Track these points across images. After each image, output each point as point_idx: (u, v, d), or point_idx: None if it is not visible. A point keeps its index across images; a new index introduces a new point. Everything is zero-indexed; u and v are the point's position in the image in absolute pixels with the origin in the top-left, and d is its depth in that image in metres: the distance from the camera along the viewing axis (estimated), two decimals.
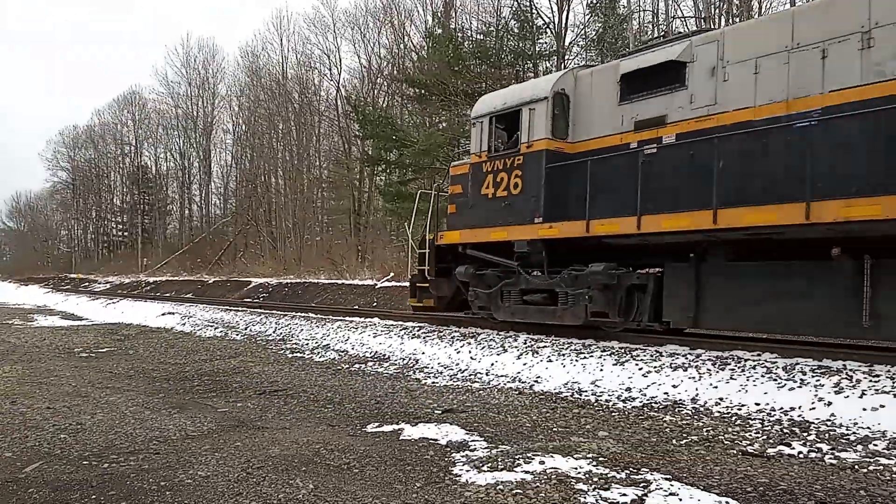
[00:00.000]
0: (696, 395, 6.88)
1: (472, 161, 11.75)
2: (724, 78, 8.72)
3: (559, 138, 10.43)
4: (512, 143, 11.07)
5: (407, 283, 14.07)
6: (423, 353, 10.43)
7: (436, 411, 6.71)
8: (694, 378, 7.20)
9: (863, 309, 7.37)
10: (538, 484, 4.22)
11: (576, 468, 4.54)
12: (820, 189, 7.35)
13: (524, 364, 8.89)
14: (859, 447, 5.14)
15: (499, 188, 11.11)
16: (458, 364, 9.59)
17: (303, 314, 16.64)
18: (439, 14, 34.43)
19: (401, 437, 5.59)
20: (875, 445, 5.15)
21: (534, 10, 28.70)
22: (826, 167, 7.45)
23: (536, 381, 8.22)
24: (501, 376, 8.70)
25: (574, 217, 9.91)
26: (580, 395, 7.51)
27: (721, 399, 6.66)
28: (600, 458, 4.80)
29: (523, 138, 10.68)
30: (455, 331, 11.35)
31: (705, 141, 8.58)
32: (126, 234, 67.19)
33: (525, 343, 9.70)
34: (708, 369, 7.30)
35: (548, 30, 29.30)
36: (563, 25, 28.93)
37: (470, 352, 9.89)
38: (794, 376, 6.64)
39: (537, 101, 10.52)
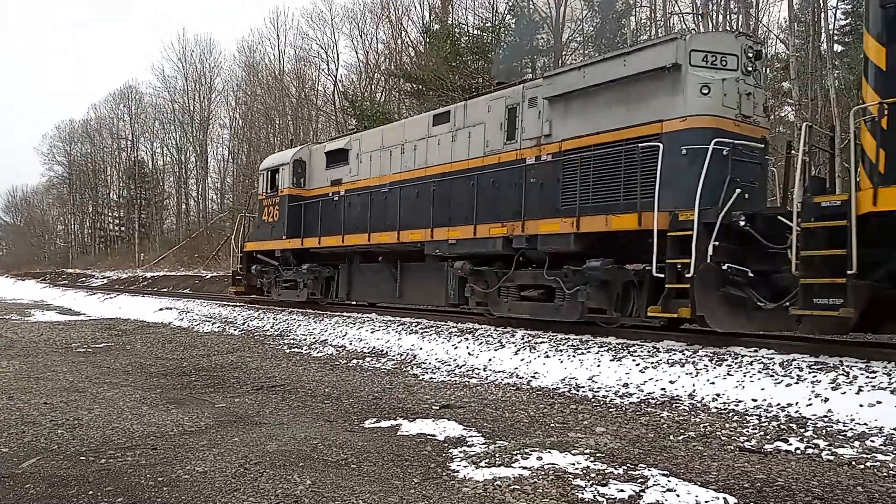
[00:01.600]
0: (694, 390, 6.89)
1: (259, 198, 19.05)
2: (360, 161, 15.35)
3: (298, 187, 17.15)
4: (275, 189, 17.82)
5: None
6: (421, 348, 10.44)
7: (433, 407, 6.72)
8: (691, 374, 7.21)
9: (396, 288, 14.11)
10: (536, 479, 4.23)
11: (573, 464, 4.54)
12: (386, 226, 13.85)
13: (521, 360, 8.89)
14: (856, 443, 5.15)
15: (269, 216, 17.98)
16: (455, 360, 9.59)
17: (300, 309, 16.63)
18: (437, 9, 34.36)
19: (398, 433, 5.59)
20: (872, 441, 5.16)
21: (531, 5, 28.66)
22: (391, 214, 13.73)
23: (534, 377, 8.23)
24: (499, 372, 8.70)
25: (298, 236, 16.62)
26: (577, 390, 7.52)
27: (718, 395, 6.67)
28: (598, 454, 4.81)
29: (280, 186, 17.58)
30: (452, 326, 11.36)
31: (352, 196, 15.32)
32: (123, 228, 66.93)
33: (522, 339, 9.71)
34: (705, 365, 7.31)
35: (545, 25, 29.28)
36: (561, 21, 28.91)
37: (467, 347, 9.89)
38: (790, 372, 6.64)
39: (285, 164, 17.46)
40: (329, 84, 42.16)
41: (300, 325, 14.20)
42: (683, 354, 7.77)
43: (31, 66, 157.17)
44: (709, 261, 8.22)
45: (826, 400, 6.01)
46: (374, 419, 6.10)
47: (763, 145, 9.31)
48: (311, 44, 43.43)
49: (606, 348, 8.53)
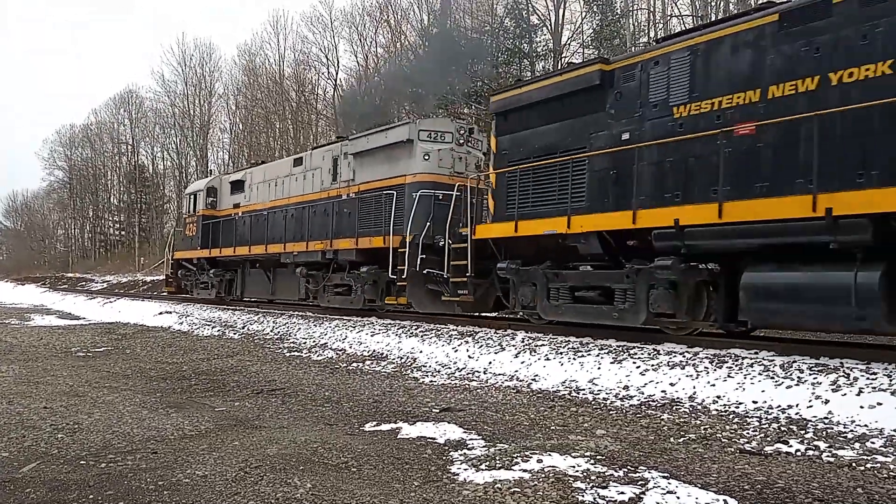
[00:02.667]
0: (694, 393, 6.89)
1: (184, 217, 24.21)
2: (251, 189, 19.81)
3: (211, 208, 21.53)
4: (195, 210, 22.28)
5: None
6: (421, 351, 10.43)
7: (434, 410, 6.71)
8: (691, 376, 7.20)
9: (270, 287, 18.97)
10: (536, 482, 4.22)
11: (573, 466, 4.54)
12: (261, 241, 18.10)
13: (522, 362, 8.88)
14: (857, 445, 5.15)
15: (190, 231, 22.60)
16: (455, 362, 9.58)
17: (300, 313, 16.63)
18: (436, 12, 34.37)
19: (399, 436, 5.59)
20: (872, 443, 5.16)
21: (529, 7, 28.66)
22: (265, 232, 18.11)
23: (534, 380, 8.22)
24: (499, 375, 8.70)
25: (208, 247, 21.02)
26: (578, 393, 7.51)
27: (719, 397, 6.66)
28: (598, 457, 4.80)
29: (197, 208, 22.11)
30: (453, 329, 11.35)
31: (245, 217, 19.65)
32: (123, 233, 66.93)
33: (522, 341, 9.70)
34: (705, 367, 7.30)
35: (544, 27, 29.29)
36: (560, 23, 28.92)
37: (468, 350, 9.89)
38: (791, 374, 6.64)
39: (200, 191, 22.08)
40: (329, 88, 42.23)
41: (300, 328, 14.19)
42: (684, 357, 7.76)
43: (31, 67, 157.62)
44: (416, 268, 12.68)
45: (826, 401, 6.00)
46: (375, 422, 6.10)
47: (459, 192, 12.59)
48: (311, 48, 43.50)
49: (607, 351, 8.53)
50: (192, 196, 22.93)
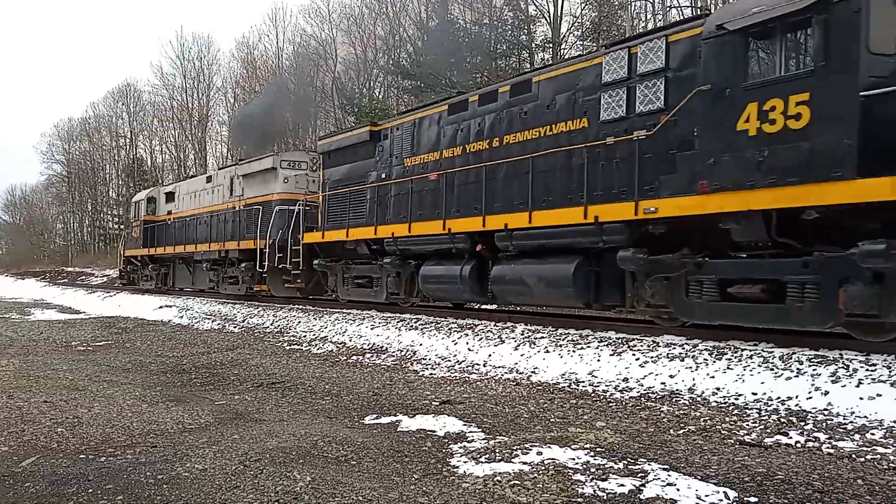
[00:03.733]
0: (694, 384, 6.89)
1: (131, 221, 28.86)
2: (180, 199, 24.42)
3: (151, 214, 26.02)
4: (139, 215, 26.78)
5: None
6: (421, 344, 10.43)
7: (433, 403, 6.72)
8: (691, 368, 7.20)
9: (191, 278, 23.81)
10: (536, 475, 4.22)
11: (573, 459, 4.54)
12: (183, 242, 22.98)
13: (521, 355, 8.88)
14: (856, 436, 5.15)
15: (135, 233, 27.07)
16: (455, 355, 9.58)
17: (300, 306, 16.63)
18: (434, 4, 34.23)
19: (399, 429, 5.59)
20: (872, 434, 5.16)
21: None
22: (185, 234, 22.99)
23: (534, 372, 8.22)
24: (499, 367, 8.70)
25: (148, 246, 25.53)
26: (577, 385, 7.51)
27: (718, 389, 6.66)
28: (598, 449, 4.80)
29: (140, 214, 26.66)
30: (452, 322, 11.35)
31: (175, 222, 24.06)
32: (122, 227, 66.85)
33: (522, 334, 9.70)
34: (705, 359, 7.30)
35: (543, 19, 29.19)
36: (559, 14, 28.81)
37: (467, 343, 9.88)
38: (790, 366, 6.63)
39: (142, 200, 26.94)
40: (328, 80, 42.02)
41: (300, 321, 14.19)
42: (683, 348, 7.76)
43: (31, 66, 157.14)
44: (275, 264, 16.88)
45: (826, 393, 6.00)
46: (374, 415, 6.10)
47: (304, 207, 16.51)
48: (309, 40, 43.31)
49: (606, 343, 8.52)
50: (136, 204, 28.25)
